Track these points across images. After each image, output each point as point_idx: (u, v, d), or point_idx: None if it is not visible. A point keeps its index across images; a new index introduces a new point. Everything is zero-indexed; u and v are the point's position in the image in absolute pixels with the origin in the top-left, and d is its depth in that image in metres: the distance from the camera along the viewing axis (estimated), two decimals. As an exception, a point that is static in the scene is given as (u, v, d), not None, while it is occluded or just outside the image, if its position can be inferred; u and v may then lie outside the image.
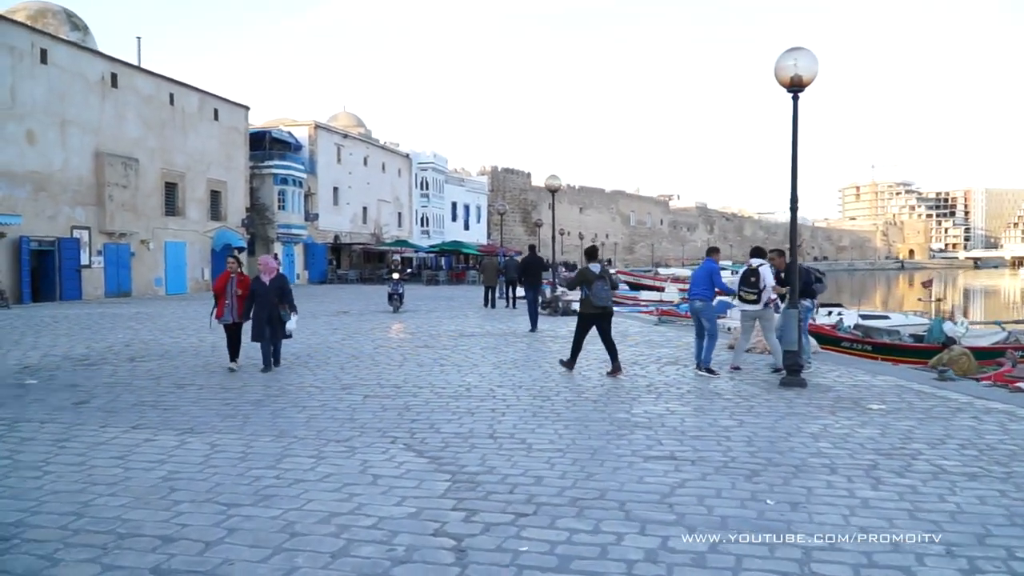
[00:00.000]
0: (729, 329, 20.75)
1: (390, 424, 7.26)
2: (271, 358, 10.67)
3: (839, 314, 22.01)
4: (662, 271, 53.11)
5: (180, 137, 36.43)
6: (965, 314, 39.25)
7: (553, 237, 22.78)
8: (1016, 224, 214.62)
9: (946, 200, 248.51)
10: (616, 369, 10.28)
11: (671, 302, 37.39)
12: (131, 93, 33.15)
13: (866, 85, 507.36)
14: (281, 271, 11.09)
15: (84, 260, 30.01)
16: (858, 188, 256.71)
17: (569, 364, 10.74)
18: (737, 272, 11.80)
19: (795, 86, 9.39)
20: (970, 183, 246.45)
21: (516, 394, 8.88)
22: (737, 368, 10.58)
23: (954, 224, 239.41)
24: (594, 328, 10.59)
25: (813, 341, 12.71)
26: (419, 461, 5.90)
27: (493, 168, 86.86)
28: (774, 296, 10.58)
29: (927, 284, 29.55)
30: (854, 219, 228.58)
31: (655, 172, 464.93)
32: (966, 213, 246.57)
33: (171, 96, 35.83)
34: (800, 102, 9.49)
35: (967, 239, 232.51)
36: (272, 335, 10.62)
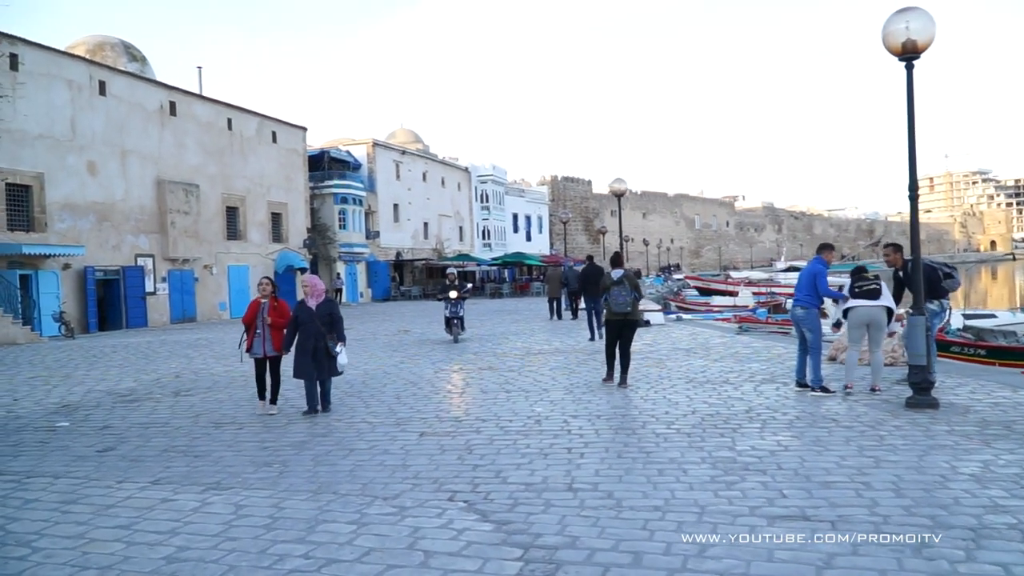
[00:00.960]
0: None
1: (448, 472, 6.13)
2: (317, 400, 9.04)
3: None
4: (734, 274, 50.78)
5: (239, 161, 36.39)
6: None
7: (621, 244, 21.44)
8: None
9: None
10: (622, 382, 10.26)
11: (746, 307, 35.58)
12: (190, 120, 33.18)
13: (935, 71, 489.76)
14: (330, 295, 9.62)
15: (149, 287, 29.98)
16: (931, 179, 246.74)
17: (607, 376, 10.55)
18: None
19: (908, 53, 7.97)
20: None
21: (594, 427, 7.66)
22: (850, 388, 9.09)
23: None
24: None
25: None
26: (482, 528, 4.73)
27: (553, 177, 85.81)
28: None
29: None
30: (929, 211, 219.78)
31: (719, 173, 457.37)
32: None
33: (229, 121, 35.81)
34: (915, 71, 8.07)
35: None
36: (320, 371, 8.96)
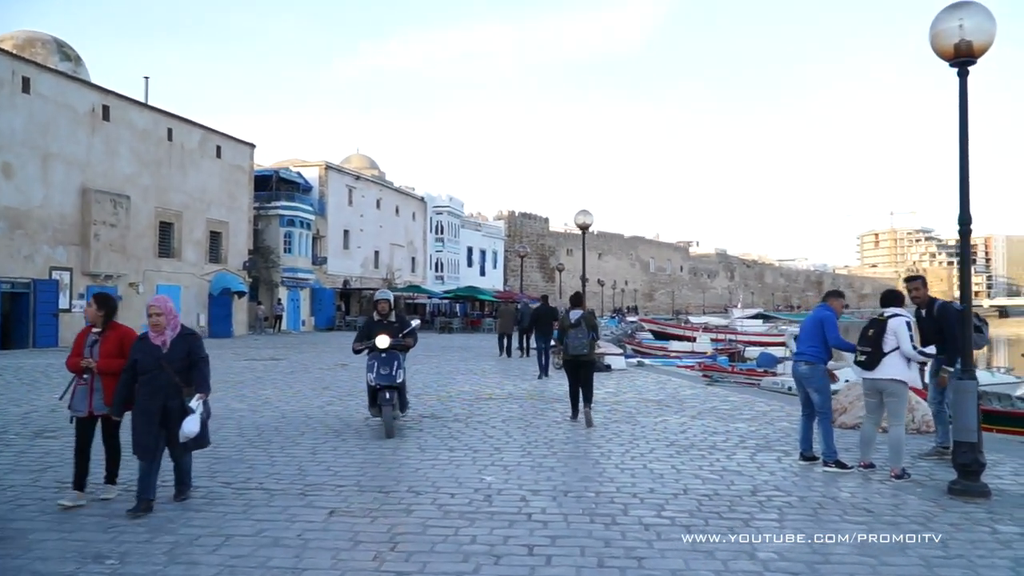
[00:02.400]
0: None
1: (357, 584, 4.25)
2: (152, 488, 5.77)
3: (919, 372, 18.71)
4: (693, 319, 49.54)
5: (178, 174, 34.03)
6: (989, 364, 34.90)
7: (583, 281, 19.84)
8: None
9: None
10: (587, 419, 10.12)
11: (705, 353, 34.27)
12: (124, 127, 30.83)
13: (881, 130, 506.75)
14: (190, 328, 6.16)
15: (63, 303, 27.34)
16: (877, 235, 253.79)
17: (573, 414, 10.53)
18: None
19: (962, 57, 6.48)
20: (990, 230, 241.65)
21: (562, 508, 5.85)
22: (870, 466, 7.34)
23: (975, 271, 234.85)
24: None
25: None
26: None
27: (510, 213, 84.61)
28: (921, 360, 7.47)
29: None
30: (875, 266, 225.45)
31: (674, 218, 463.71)
32: (987, 260, 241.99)
33: (169, 131, 33.52)
34: (969, 78, 6.57)
35: (989, 287, 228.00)
36: (170, 443, 5.85)
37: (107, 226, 29.16)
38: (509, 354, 23.02)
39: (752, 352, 35.05)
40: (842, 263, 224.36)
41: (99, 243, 28.70)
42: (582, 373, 10.26)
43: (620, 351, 22.54)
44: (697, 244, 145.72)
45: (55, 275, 26.91)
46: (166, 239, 33.40)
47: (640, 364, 21.79)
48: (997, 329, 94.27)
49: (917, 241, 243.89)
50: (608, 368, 18.58)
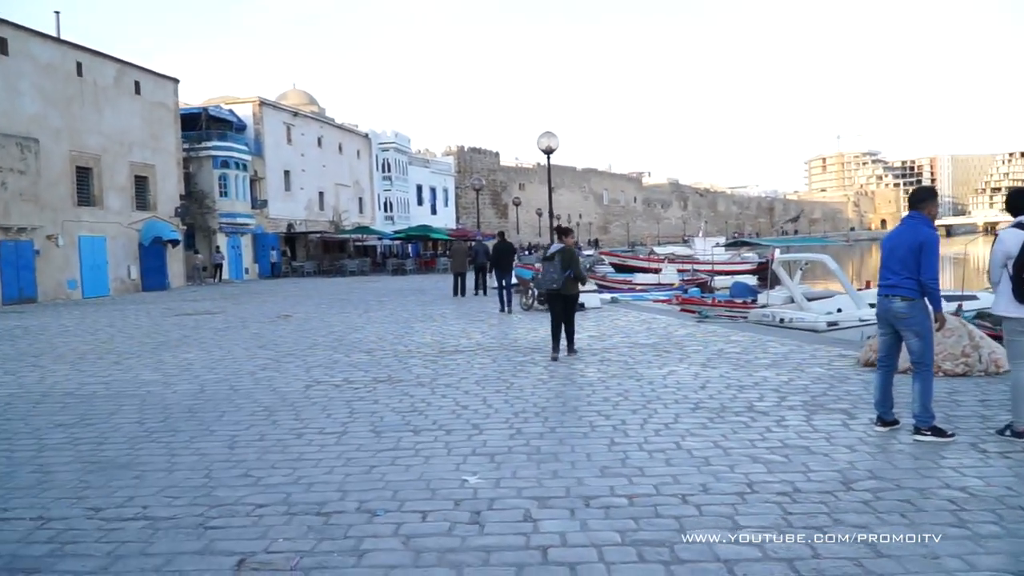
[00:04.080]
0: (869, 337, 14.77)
1: None
2: None
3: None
4: (658, 250, 47.78)
5: (93, 114, 30.70)
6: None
7: (551, 212, 17.87)
8: (983, 190, 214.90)
9: (912, 168, 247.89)
10: (570, 350, 10.05)
11: (671, 285, 32.68)
12: (26, 61, 27.40)
13: (828, 54, 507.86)
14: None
15: (-29, 262, 24.49)
16: (824, 159, 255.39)
17: (553, 350, 9.95)
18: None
19: None
20: (935, 150, 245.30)
21: (588, 533, 3.92)
22: (1021, 434, 5.43)
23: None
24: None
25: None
26: None
27: (459, 148, 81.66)
28: None
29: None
30: (824, 190, 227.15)
31: (626, 148, 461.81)
32: (932, 180, 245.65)
33: (79, 66, 30.04)
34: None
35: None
36: None
37: (15, 173, 26.07)
38: (463, 294, 22.16)
39: (720, 281, 33.58)
40: (791, 188, 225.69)
41: (7, 192, 25.66)
42: (559, 306, 9.93)
43: (595, 288, 20.73)
44: (649, 175, 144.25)
45: (-46, 230, 23.95)
46: (85, 186, 30.25)
47: (614, 300, 20.02)
48: (944, 248, 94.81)
49: (864, 164, 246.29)
50: (582, 307, 16.76)
